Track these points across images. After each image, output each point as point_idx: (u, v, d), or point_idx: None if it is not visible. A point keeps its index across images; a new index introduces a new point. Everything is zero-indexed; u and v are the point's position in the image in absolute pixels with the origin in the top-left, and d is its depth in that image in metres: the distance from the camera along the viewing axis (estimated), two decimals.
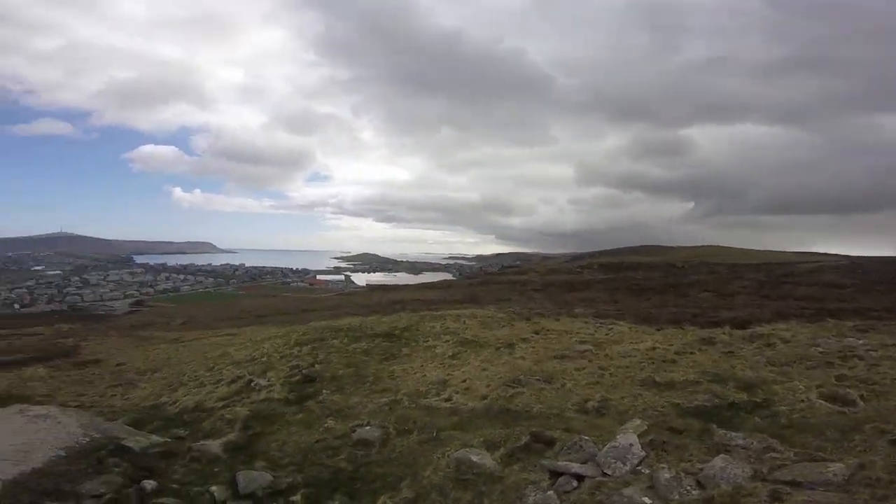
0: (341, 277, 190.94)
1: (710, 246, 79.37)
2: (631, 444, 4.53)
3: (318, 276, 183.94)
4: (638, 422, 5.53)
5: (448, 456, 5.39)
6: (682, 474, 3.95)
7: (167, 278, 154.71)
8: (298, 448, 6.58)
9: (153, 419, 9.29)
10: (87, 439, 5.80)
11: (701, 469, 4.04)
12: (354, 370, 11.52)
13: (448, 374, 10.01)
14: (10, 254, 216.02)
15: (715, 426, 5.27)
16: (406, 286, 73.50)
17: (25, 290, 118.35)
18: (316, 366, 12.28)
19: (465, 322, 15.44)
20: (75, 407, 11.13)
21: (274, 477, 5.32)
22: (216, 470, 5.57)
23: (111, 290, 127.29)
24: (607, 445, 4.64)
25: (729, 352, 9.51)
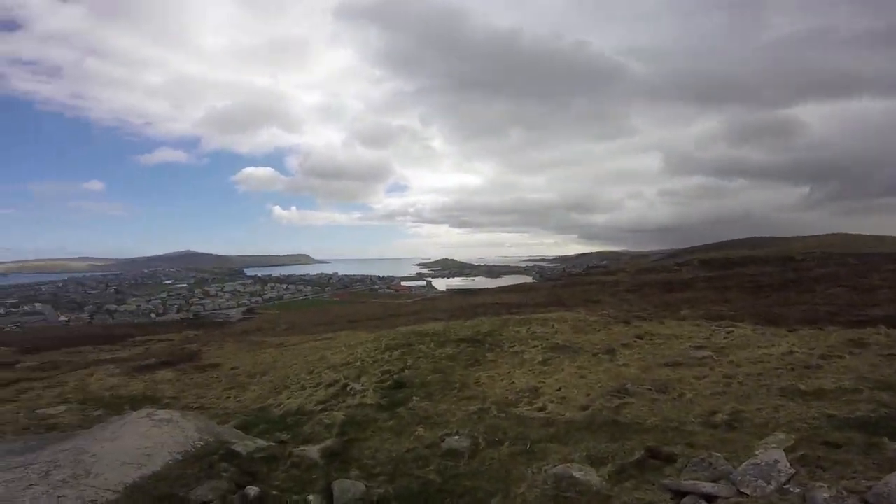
0: (423, 283, 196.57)
1: (834, 234, 68.89)
2: (776, 461, 3.74)
3: (402, 283, 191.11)
4: (782, 436, 4.61)
5: (545, 471, 4.90)
6: (845, 493, 3.22)
7: (272, 288, 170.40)
8: (390, 457, 6.44)
9: (260, 422, 9.82)
10: (202, 443, 6.09)
11: (869, 487, 3.25)
12: (441, 376, 11.37)
13: (540, 382, 9.44)
14: (146, 270, 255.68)
15: (886, 440, 4.30)
16: (485, 290, 73.03)
17: (159, 301, 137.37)
18: (405, 371, 12.37)
19: (553, 326, 14.65)
20: (196, 409, 12.33)
21: (367, 487, 5.17)
22: (314, 477, 5.57)
23: (227, 300, 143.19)
24: (745, 462, 3.88)
25: (891, 354, 7.89)
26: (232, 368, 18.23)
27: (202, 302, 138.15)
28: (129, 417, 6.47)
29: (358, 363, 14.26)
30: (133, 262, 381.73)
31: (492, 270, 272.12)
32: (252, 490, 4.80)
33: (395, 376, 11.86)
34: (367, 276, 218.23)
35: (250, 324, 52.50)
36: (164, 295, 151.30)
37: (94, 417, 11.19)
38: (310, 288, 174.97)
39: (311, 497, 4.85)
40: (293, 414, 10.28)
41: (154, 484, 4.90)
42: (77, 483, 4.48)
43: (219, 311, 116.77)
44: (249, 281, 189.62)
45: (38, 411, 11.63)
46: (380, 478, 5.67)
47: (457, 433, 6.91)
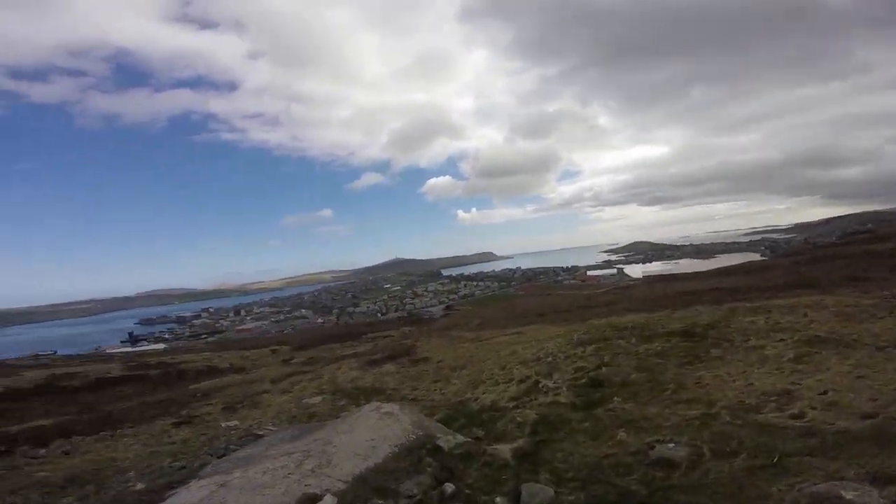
0: (613, 271, 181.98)
1: None
2: None
3: (589, 272, 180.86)
4: None
5: (799, 489, 3.94)
6: None
7: (465, 285, 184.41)
8: (584, 462, 5.94)
9: (459, 416, 10.35)
10: (414, 437, 6.68)
11: None
12: (648, 375, 10.13)
13: (793, 384, 7.53)
14: (370, 277, 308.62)
15: None
16: (695, 274, 63.13)
17: (382, 303, 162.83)
18: (602, 369, 11.47)
19: (806, 314, 11.64)
20: (411, 400, 13.91)
21: (556, 492, 4.84)
22: (503, 477, 5.51)
23: (430, 299, 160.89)
24: None
25: None
26: (438, 362, 19.95)
27: (413, 301, 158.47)
28: (362, 410, 7.54)
29: (549, 359, 13.88)
30: (362, 270, 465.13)
31: (701, 250, 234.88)
32: (449, 487, 5.00)
33: (590, 374, 11.08)
34: (550, 267, 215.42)
35: (449, 320, 57.32)
36: (384, 297, 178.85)
37: (339, 407, 13.67)
38: (496, 283, 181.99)
39: (498, 499, 4.81)
40: (488, 409, 10.50)
41: (374, 476, 5.46)
42: (320, 472, 5.39)
43: (425, 309, 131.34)
44: (446, 280, 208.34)
45: (303, 401, 14.88)
46: (571, 484, 5.27)
47: (671, 440, 6.08)
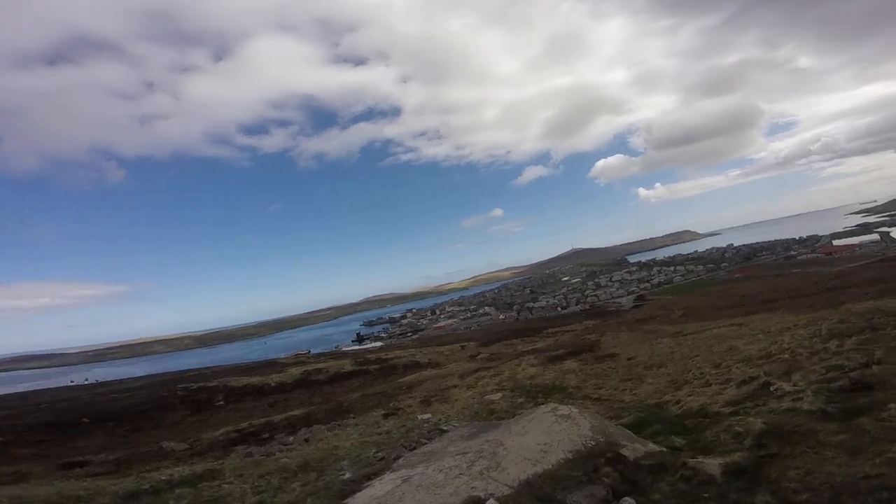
0: (874, 237, 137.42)
1: None
2: None
3: (835, 242, 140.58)
4: None
5: None
6: None
7: (659, 272, 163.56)
8: (829, 482, 4.52)
9: (654, 421, 9.14)
10: (592, 443, 6.15)
11: None
12: None
13: None
14: (547, 271, 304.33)
15: None
16: None
17: (561, 296, 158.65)
18: (873, 367, 8.74)
19: None
20: (594, 400, 12.94)
21: None
22: (704, 496, 4.50)
23: (616, 289, 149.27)
24: None
25: None
26: (629, 359, 18.22)
27: (595, 293, 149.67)
28: (537, 412, 7.33)
29: (785, 355, 11.25)
30: (539, 265, 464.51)
31: None
32: (627, 501, 4.32)
33: (851, 374, 8.56)
34: (776, 241, 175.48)
35: (642, 311, 52.14)
36: (564, 290, 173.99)
37: (518, 404, 13.63)
38: (701, 266, 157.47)
39: None
40: (693, 415, 9.02)
41: (541, 483, 5.16)
42: (488, 475, 5.38)
43: (611, 301, 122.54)
44: (634, 268, 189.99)
45: (485, 397, 15.36)
46: None
47: None
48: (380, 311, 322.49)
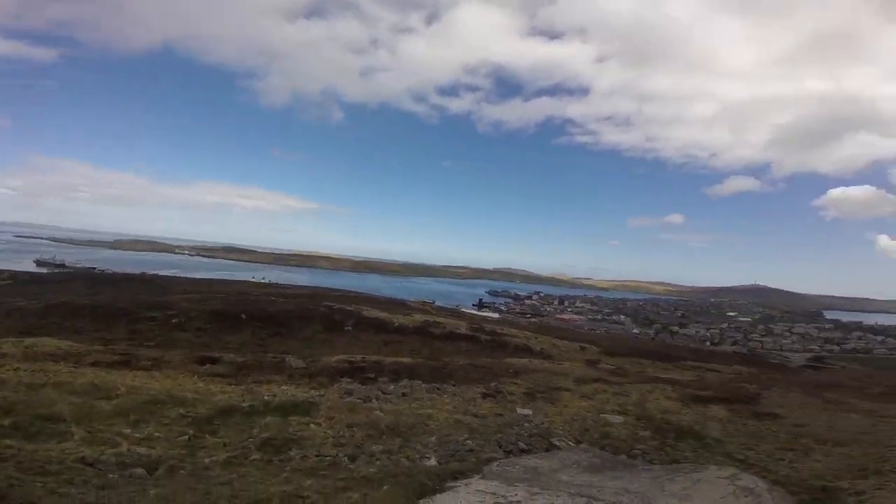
0: None
1: None
2: None
3: None
4: None
5: None
6: None
7: (859, 338, 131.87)
8: None
9: None
10: None
11: None
12: None
13: None
14: (712, 299, 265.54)
15: None
16: None
17: (718, 331, 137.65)
18: None
19: None
20: (738, 460, 10.24)
21: None
22: None
23: (792, 342, 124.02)
24: None
25: None
26: (796, 425, 14.46)
27: (762, 339, 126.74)
28: (706, 473, 5.64)
29: None
30: (703, 290, 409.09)
31: None
32: None
33: None
34: None
35: (826, 376, 41.68)
36: (724, 325, 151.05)
37: (640, 438, 11.46)
38: None
39: None
40: None
41: None
42: None
43: (777, 352, 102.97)
44: (829, 325, 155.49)
45: (602, 415, 13.35)
46: None
47: None
48: (508, 285, 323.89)
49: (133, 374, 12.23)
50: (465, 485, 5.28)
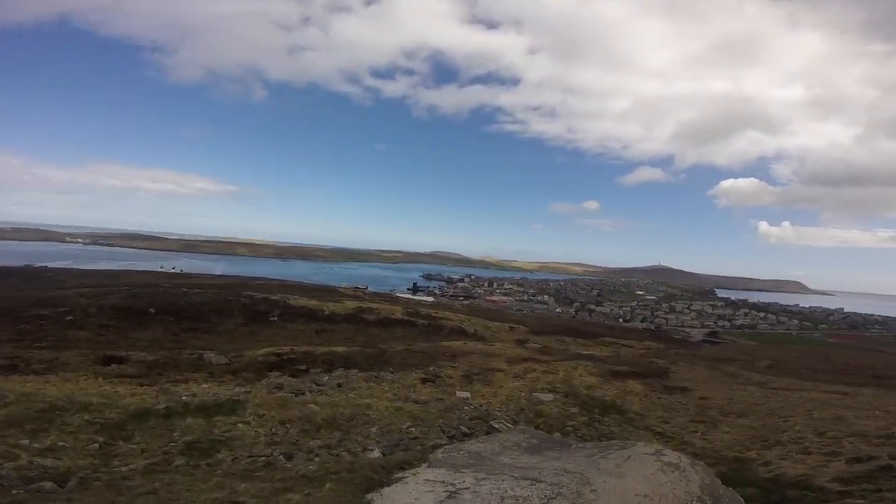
0: None
1: None
2: None
3: None
4: None
5: None
6: None
7: (745, 314, 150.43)
8: None
9: (742, 482, 7.51)
10: None
11: None
12: None
13: None
14: (622, 279, 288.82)
15: None
16: None
17: (629, 309, 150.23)
18: None
19: None
20: (657, 433, 11.19)
21: None
22: None
23: (691, 319, 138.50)
24: None
25: None
26: (702, 398, 16.17)
27: (666, 316, 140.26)
28: (635, 449, 5.86)
29: None
30: (615, 271, 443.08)
31: None
32: None
33: None
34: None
35: (718, 350, 47.19)
36: (633, 304, 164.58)
37: (569, 414, 12.13)
38: (795, 321, 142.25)
39: None
40: (792, 484, 7.59)
41: None
42: None
43: (679, 328, 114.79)
44: (720, 303, 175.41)
45: (533, 394, 13.94)
46: None
47: None
48: (441, 268, 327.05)
49: (23, 380, 10.60)
50: (413, 475, 5.14)
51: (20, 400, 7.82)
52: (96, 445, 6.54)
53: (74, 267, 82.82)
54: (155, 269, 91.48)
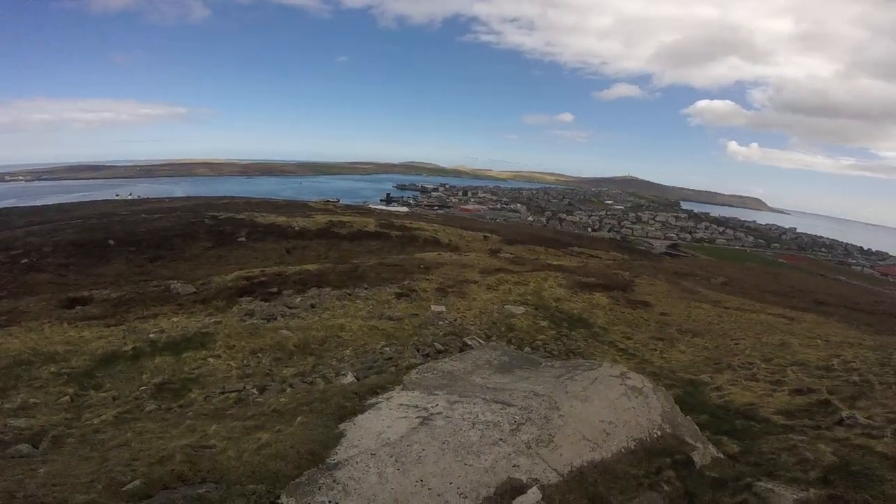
0: None
1: None
2: None
3: None
4: None
5: None
6: None
7: (706, 227, 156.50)
8: None
9: (697, 406, 8.04)
10: (659, 433, 5.09)
11: None
12: None
13: None
14: (593, 189, 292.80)
15: None
16: None
17: (597, 218, 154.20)
18: None
19: None
20: (619, 350, 11.81)
21: None
22: None
23: (655, 230, 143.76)
24: None
25: None
26: (662, 314, 17.01)
27: (632, 227, 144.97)
28: (601, 371, 6.01)
29: (853, 377, 9.71)
30: (586, 181, 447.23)
31: None
32: None
33: None
34: (840, 241, 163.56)
35: (678, 263, 49.48)
36: (602, 213, 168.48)
37: (540, 327, 12.57)
38: (751, 238, 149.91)
39: None
40: (740, 413, 7.90)
41: (595, 475, 4.22)
42: (536, 451, 4.21)
43: (644, 239, 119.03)
44: (684, 215, 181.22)
45: (506, 306, 14.32)
46: None
47: None
48: (414, 178, 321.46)
49: None
50: (387, 399, 5.21)
51: None
52: (67, 398, 6.38)
53: (21, 206, 76.34)
54: (110, 198, 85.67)
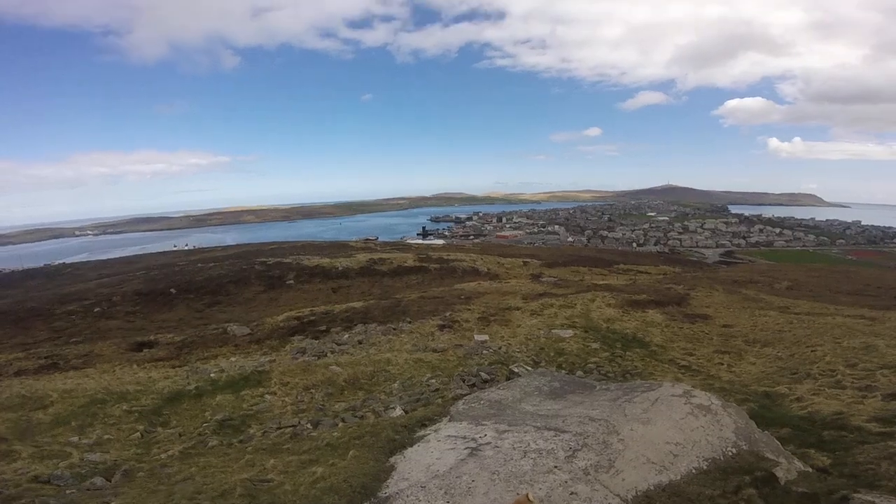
0: None
1: None
2: None
3: None
4: None
5: None
6: None
7: (760, 230, 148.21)
8: None
9: (776, 419, 7.38)
10: (734, 451, 4.69)
11: None
12: None
13: None
14: (633, 202, 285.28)
15: None
16: None
17: (641, 232, 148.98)
18: None
19: None
20: (682, 367, 11.08)
21: None
22: None
23: (705, 238, 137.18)
24: None
25: None
26: (724, 325, 15.91)
27: (679, 237, 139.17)
28: (662, 391, 5.66)
29: None
30: (624, 193, 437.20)
31: None
32: None
33: None
34: None
35: (736, 271, 46.68)
36: (646, 226, 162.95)
37: (591, 350, 12.05)
38: (812, 237, 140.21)
39: None
40: (827, 424, 7.21)
41: (664, 500, 3.91)
42: (595, 478, 3.99)
43: (694, 249, 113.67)
44: (734, 220, 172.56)
45: (553, 331, 13.85)
46: None
47: None
48: (448, 209, 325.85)
49: (64, 377, 11.03)
50: (435, 431, 5.12)
51: (63, 398, 8.10)
52: (138, 434, 6.82)
53: (91, 259, 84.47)
54: (169, 249, 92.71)
